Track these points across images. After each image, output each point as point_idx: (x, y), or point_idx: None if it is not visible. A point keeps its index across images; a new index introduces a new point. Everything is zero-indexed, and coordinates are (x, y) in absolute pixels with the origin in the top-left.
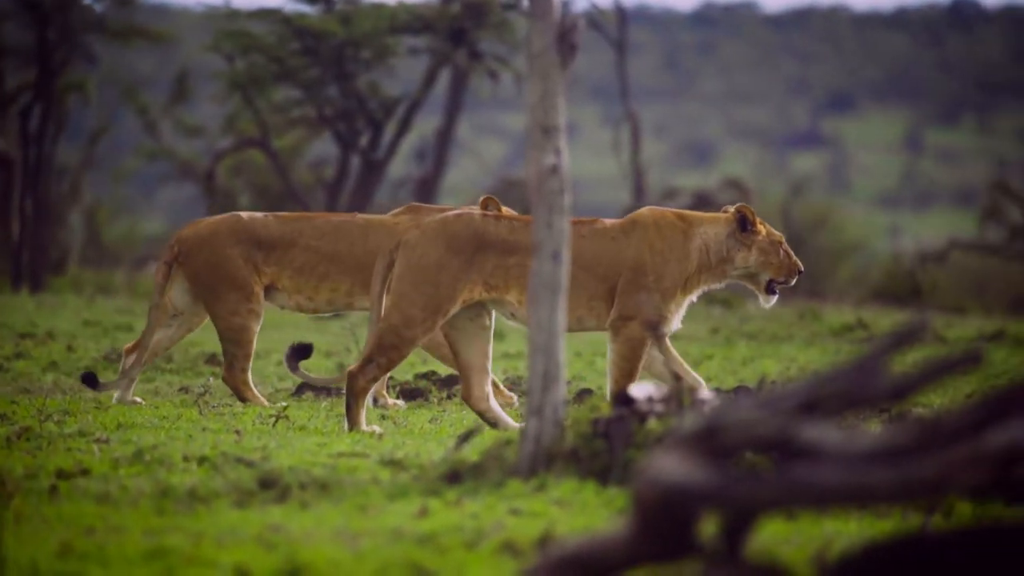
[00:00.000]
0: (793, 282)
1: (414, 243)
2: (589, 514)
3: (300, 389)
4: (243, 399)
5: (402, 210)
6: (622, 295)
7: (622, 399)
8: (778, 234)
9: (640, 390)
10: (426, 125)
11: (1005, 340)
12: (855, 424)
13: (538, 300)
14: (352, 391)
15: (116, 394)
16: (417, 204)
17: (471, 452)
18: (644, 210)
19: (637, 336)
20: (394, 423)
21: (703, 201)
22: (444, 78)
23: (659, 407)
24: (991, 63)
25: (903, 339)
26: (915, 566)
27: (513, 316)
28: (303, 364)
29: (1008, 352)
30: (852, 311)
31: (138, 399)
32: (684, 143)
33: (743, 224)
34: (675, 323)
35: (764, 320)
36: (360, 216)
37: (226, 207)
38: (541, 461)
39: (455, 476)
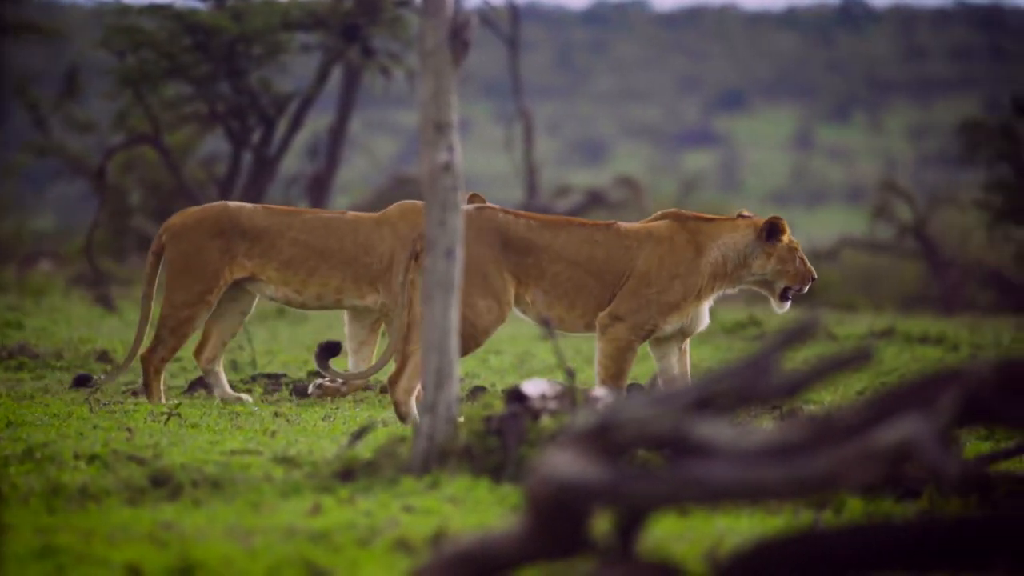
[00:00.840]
0: (807, 289)
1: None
2: (482, 511)
3: (192, 387)
4: (147, 385)
5: (394, 207)
6: (620, 296)
7: (515, 396)
8: (796, 241)
9: (533, 387)
10: (319, 122)
11: (895, 337)
12: (747, 421)
13: (431, 298)
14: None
15: (216, 391)
16: (410, 201)
17: (364, 449)
18: (662, 222)
19: (623, 337)
20: (287, 420)
21: (596, 199)
22: (336, 75)
23: (552, 404)
24: (880, 61)
25: (794, 336)
26: (806, 562)
27: (524, 313)
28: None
29: (898, 349)
30: (744, 308)
31: (245, 397)
32: (577, 141)
33: (771, 234)
34: (670, 329)
35: None
36: (350, 213)
37: (117, 204)
38: (434, 458)
39: (348, 473)
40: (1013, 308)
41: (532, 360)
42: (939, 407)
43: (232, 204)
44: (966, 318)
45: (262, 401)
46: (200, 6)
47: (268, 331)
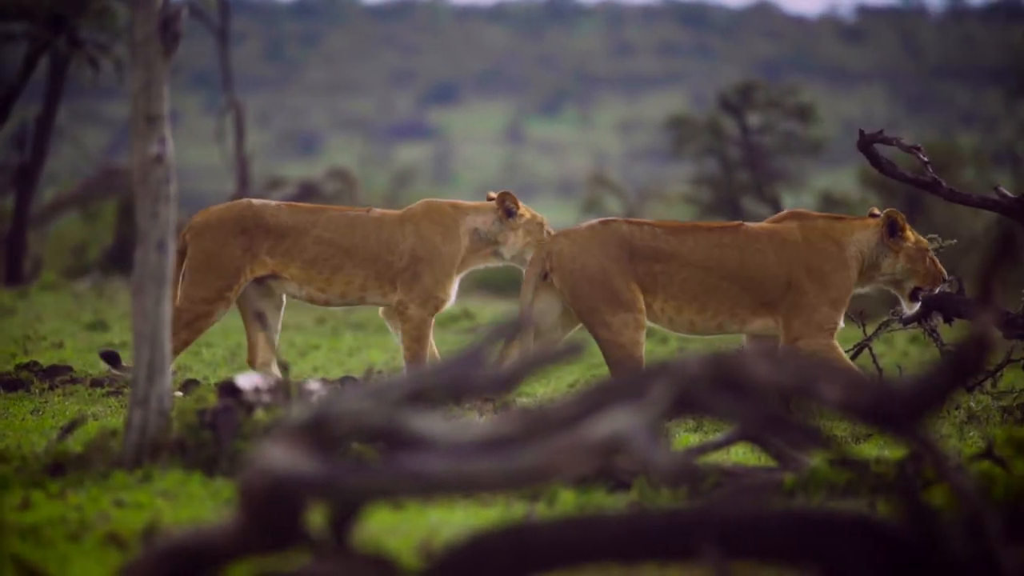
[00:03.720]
0: (937, 290)
1: (569, 255)
2: (195, 505)
3: None
4: None
5: (418, 205)
6: (789, 313)
7: (229, 389)
8: (925, 241)
9: (247, 380)
10: (25, 112)
11: None
12: (461, 413)
13: (143, 290)
14: None
15: None
16: (433, 199)
17: (75, 443)
18: (791, 223)
19: (822, 346)
20: None
21: (308, 191)
22: (43, 65)
23: (266, 397)
24: (590, 56)
25: (507, 329)
26: (520, 554)
27: (655, 320)
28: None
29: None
30: (457, 301)
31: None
32: (288, 133)
33: (892, 229)
34: (842, 324)
35: (369, 310)
36: (375, 210)
37: None
38: (147, 452)
39: (58, 467)
40: None
41: (245, 353)
42: (650, 400)
43: (256, 201)
44: None
45: None
46: None
47: None
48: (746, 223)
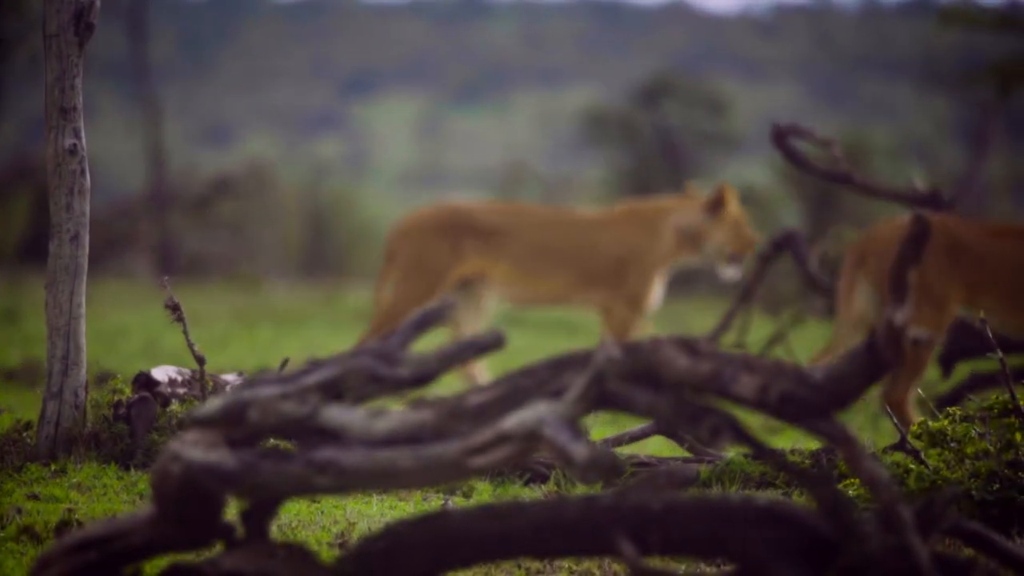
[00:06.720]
0: None
1: (892, 240)
2: (111, 499)
3: None
4: None
5: (619, 208)
6: None
7: (144, 382)
8: None
9: (162, 373)
10: None
11: (526, 323)
12: (379, 406)
13: (57, 282)
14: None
15: None
16: (634, 202)
17: None
18: None
19: None
20: None
21: (224, 184)
22: None
23: (182, 390)
24: (507, 49)
25: (426, 321)
26: (436, 544)
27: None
28: None
29: (523, 335)
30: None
31: None
32: (204, 125)
33: None
34: None
35: (286, 302)
36: (579, 210)
37: None
38: (61, 445)
39: None
40: None
41: (161, 346)
42: (569, 392)
43: (462, 203)
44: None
45: None
46: None
47: None
48: None
